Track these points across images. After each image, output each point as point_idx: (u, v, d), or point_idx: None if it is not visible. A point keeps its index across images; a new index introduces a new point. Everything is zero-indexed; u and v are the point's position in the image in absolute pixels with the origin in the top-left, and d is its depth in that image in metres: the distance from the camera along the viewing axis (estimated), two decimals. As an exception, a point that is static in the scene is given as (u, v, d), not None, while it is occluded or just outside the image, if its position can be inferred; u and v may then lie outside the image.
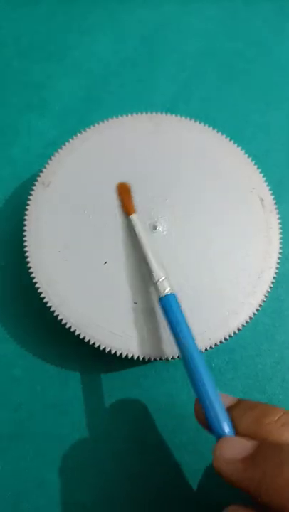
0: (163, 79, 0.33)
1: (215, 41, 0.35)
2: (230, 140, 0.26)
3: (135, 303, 0.22)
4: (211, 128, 0.26)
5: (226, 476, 0.17)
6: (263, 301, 0.23)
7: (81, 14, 0.35)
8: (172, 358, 0.22)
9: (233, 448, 0.17)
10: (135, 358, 0.21)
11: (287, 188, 0.30)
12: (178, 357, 0.22)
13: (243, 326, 0.22)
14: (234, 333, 0.22)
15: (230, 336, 0.22)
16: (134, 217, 0.23)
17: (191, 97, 0.33)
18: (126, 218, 0.23)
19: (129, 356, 0.21)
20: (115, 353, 0.22)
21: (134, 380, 0.26)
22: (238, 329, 0.22)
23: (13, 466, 0.24)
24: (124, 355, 0.21)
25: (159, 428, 0.25)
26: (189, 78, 0.33)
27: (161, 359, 0.22)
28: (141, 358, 0.22)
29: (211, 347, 0.22)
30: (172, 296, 0.21)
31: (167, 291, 0.21)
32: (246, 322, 0.22)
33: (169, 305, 0.20)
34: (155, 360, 0.22)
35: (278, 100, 0.33)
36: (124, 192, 0.24)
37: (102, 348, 0.22)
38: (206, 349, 0.22)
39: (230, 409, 0.18)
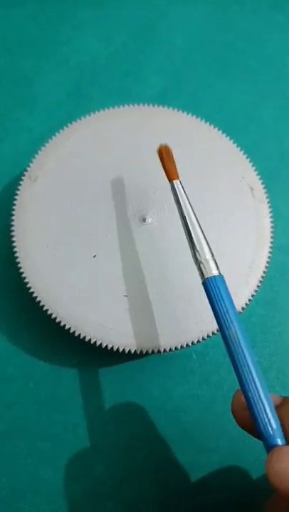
0: (152, 72, 0.33)
1: (205, 33, 0.35)
2: (218, 130, 0.25)
3: (125, 296, 0.22)
4: (200, 119, 0.26)
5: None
6: (256, 290, 0.22)
7: (69, 9, 0.35)
8: (164, 350, 0.21)
9: None
10: (126, 351, 0.21)
11: (279, 180, 0.30)
12: (170, 350, 0.21)
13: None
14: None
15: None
16: (177, 183, 0.20)
17: (181, 90, 0.32)
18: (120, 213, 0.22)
19: (121, 350, 0.21)
20: (106, 346, 0.21)
21: (129, 375, 0.25)
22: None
23: (8, 464, 0.24)
24: (115, 349, 0.21)
25: (155, 422, 0.24)
26: (179, 71, 0.33)
27: (153, 352, 0.21)
28: (132, 352, 0.21)
29: (203, 338, 0.21)
30: (220, 277, 0.18)
31: (215, 272, 0.18)
32: (239, 313, 0.22)
33: (216, 288, 0.17)
34: (147, 353, 0.21)
35: (269, 92, 0.33)
36: (167, 156, 0.21)
37: (93, 342, 0.21)
38: (198, 341, 0.21)
39: (276, 409, 0.16)
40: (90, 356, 0.25)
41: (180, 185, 0.20)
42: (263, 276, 0.22)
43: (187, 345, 0.21)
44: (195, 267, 0.18)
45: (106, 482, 0.23)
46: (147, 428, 0.24)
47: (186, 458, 0.24)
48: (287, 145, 0.31)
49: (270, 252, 0.23)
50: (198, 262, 0.18)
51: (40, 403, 0.25)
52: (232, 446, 0.24)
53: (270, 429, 0.16)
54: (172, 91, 0.32)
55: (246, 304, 0.22)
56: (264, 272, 0.23)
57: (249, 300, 0.22)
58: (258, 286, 0.22)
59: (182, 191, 0.20)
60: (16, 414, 0.25)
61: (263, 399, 0.16)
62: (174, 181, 0.20)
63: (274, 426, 0.16)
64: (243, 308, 0.22)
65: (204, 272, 0.18)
